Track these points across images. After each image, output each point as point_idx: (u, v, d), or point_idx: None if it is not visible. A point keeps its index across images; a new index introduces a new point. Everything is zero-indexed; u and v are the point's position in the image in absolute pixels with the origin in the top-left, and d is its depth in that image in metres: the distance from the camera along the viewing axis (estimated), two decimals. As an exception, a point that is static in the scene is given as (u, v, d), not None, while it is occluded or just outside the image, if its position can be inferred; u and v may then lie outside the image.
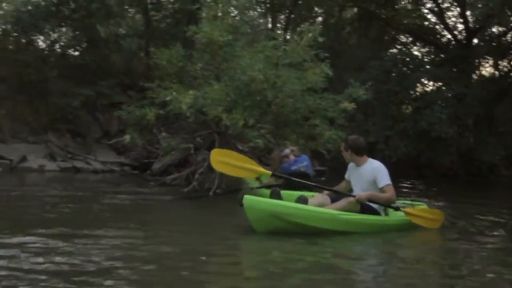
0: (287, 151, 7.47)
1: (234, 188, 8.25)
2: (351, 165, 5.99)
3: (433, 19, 19.88)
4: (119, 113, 9.78)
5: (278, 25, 23.10)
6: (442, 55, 18.20)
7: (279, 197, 5.71)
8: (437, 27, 19.85)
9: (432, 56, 18.78)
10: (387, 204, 5.74)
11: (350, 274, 3.92)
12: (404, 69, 16.50)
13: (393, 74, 16.34)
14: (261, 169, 6.06)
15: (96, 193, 8.29)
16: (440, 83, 16.62)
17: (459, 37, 18.60)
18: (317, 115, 9.20)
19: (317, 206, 5.55)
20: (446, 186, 14.14)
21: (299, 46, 8.89)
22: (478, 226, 6.53)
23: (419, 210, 5.92)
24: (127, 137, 9.29)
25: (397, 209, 5.77)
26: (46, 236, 4.61)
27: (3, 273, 3.39)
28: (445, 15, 19.01)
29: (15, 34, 15.02)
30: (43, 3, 14.82)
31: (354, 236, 5.35)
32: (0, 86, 14.05)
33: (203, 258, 4.09)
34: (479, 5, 16.40)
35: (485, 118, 16.59)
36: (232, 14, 9.92)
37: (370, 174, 5.71)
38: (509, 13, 14.95)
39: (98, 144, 14.66)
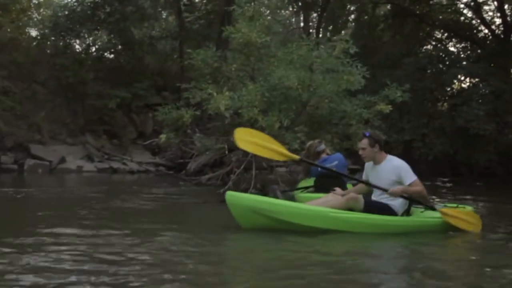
0: (322, 146, 6.98)
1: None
2: (368, 165, 5.58)
3: (469, 14, 19.51)
4: (156, 114, 9.90)
5: (310, 23, 23.02)
6: (478, 51, 17.79)
7: (275, 195, 5.45)
8: (473, 22, 19.43)
9: (468, 52, 18.37)
10: (423, 200, 5.39)
11: (340, 273, 3.73)
12: (440, 65, 16.22)
13: (428, 71, 16.08)
14: (289, 153, 5.65)
15: (136, 192, 8.44)
16: (477, 79, 16.25)
17: (497, 32, 18.16)
18: (352, 117, 9.13)
19: (320, 204, 5.22)
20: (484, 185, 13.81)
21: (331, 57, 8.85)
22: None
23: (457, 212, 5.52)
24: (162, 137, 9.40)
25: (433, 208, 5.44)
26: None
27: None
28: (482, 10, 18.59)
29: (53, 38, 15.41)
30: (79, 7, 15.17)
31: (347, 235, 4.99)
32: (40, 89, 14.44)
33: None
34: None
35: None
36: (265, 14, 9.94)
37: (391, 172, 5.32)
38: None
39: (134, 145, 14.93)
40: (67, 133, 14.43)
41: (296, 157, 5.73)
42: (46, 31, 15.51)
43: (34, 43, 15.80)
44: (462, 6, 19.52)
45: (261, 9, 9.71)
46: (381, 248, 4.83)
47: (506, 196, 11.06)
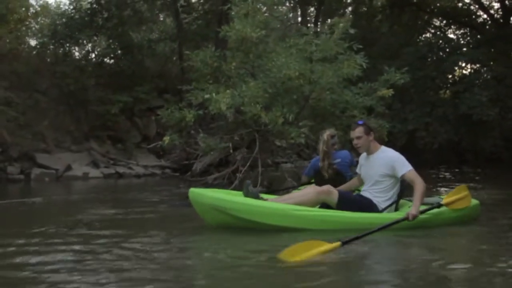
0: (333, 140, 6.14)
1: (284, 187, 8.11)
2: (362, 156, 5.26)
3: (467, 0, 19.41)
4: (160, 116, 9.92)
5: (308, 18, 22.99)
6: (478, 36, 17.74)
7: (247, 189, 5.02)
8: (472, 7, 19.37)
9: (468, 38, 18.34)
10: (423, 195, 4.83)
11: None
12: (440, 53, 16.20)
13: (429, 60, 16.06)
14: (329, 245, 4.02)
15: (144, 196, 8.46)
16: (478, 65, 16.22)
17: (496, 16, 18.09)
18: (354, 106, 9.12)
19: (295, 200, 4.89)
20: (490, 171, 13.79)
21: (331, 40, 8.81)
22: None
23: (450, 195, 5.24)
24: (166, 139, 9.40)
25: (439, 206, 5.03)
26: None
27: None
28: (480, -5, 18.54)
29: (52, 46, 15.46)
30: (77, 14, 15.21)
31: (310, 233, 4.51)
32: (42, 98, 14.47)
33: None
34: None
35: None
36: (262, 11, 9.91)
37: (384, 164, 4.94)
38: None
39: (138, 148, 14.96)
40: (71, 140, 14.45)
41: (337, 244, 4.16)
42: (45, 39, 15.56)
43: (34, 52, 15.82)
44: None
45: (258, 6, 9.69)
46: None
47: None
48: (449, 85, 16.69)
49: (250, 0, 8.94)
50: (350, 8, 22.70)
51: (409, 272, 3.58)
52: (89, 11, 15.34)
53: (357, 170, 5.37)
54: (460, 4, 19.66)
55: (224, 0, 12.25)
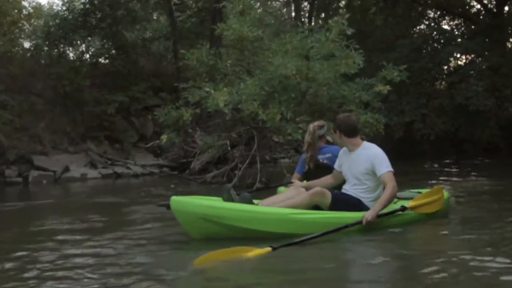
0: (322, 131, 5.60)
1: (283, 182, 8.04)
2: (343, 151, 5.00)
3: (460, -10, 19.37)
4: (156, 115, 9.90)
5: (302, 13, 22.93)
6: (473, 27, 17.74)
7: (229, 194, 4.67)
8: (465, -2, 19.35)
9: (463, 29, 18.34)
10: (389, 201, 4.65)
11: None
12: (435, 44, 16.18)
13: (424, 51, 16.04)
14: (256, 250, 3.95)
15: (142, 196, 8.44)
16: (473, 55, 16.22)
17: (489, 6, 18.08)
18: (352, 101, 9.11)
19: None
20: (488, 161, 13.82)
21: (328, 41, 8.78)
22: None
23: (420, 197, 5.00)
24: (164, 138, 9.40)
25: (403, 210, 4.77)
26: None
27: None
28: (473, -15, 18.53)
29: (46, 48, 15.38)
30: (70, 15, 15.15)
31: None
32: (37, 100, 14.42)
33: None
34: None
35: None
36: (255, 7, 9.91)
37: (365, 160, 4.72)
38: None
39: (136, 148, 14.92)
40: (68, 141, 14.41)
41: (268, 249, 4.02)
42: (39, 41, 15.47)
43: (28, 55, 15.76)
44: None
45: (251, 2, 9.67)
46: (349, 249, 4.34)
47: (509, 170, 11.08)
48: (444, 76, 16.68)
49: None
50: (343, 2, 22.64)
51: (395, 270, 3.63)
52: (82, 12, 15.27)
53: (336, 167, 5.07)
54: (453, -5, 19.62)
55: (218, -3, 12.22)
